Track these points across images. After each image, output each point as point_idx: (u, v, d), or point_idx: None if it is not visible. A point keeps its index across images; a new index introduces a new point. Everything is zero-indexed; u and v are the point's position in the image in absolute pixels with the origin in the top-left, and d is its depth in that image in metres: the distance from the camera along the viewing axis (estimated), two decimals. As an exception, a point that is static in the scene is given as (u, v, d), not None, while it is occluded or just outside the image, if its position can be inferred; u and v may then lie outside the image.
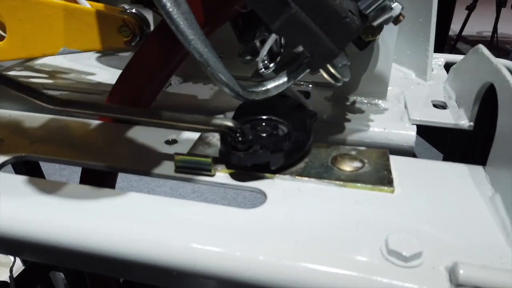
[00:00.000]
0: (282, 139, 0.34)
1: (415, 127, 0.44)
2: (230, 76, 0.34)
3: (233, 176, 0.35)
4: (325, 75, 0.34)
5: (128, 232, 0.29)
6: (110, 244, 0.28)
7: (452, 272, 0.25)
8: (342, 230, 0.29)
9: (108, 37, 0.42)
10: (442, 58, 0.61)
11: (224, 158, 0.36)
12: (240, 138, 0.33)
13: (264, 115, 0.37)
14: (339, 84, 0.36)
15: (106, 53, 0.68)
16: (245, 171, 0.35)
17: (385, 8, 0.35)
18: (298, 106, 0.41)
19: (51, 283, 1.00)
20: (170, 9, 0.30)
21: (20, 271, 0.89)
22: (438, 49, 0.45)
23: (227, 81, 0.33)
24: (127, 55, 0.68)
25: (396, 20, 0.38)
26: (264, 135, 0.34)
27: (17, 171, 0.84)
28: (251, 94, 0.36)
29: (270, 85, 0.37)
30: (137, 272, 0.30)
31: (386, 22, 0.39)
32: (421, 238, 0.28)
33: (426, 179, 0.35)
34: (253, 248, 0.27)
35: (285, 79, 0.37)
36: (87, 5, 0.43)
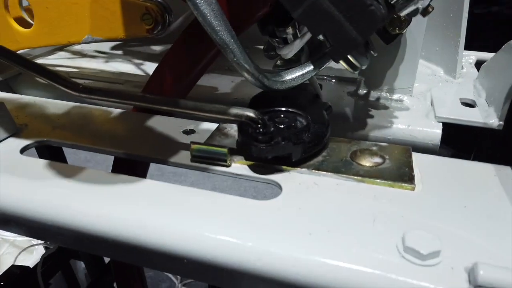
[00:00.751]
0: (302, 131, 0.33)
1: (440, 124, 0.42)
2: (256, 66, 0.33)
3: (249, 167, 0.34)
4: (343, 64, 0.33)
5: (139, 218, 0.29)
6: (114, 226, 0.29)
7: (471, 273, 0.23)
8: (357, 225, 0.28)
9: (131, 25, 0.42)
10: (473, 56, 0.59)
11: (242, 149, 0.35)
12: (261, 130, 0.32)
13: (279, 107, 0.37)
14: (356, 72, 0.35)
15: (129, 44, 0.69)
16: (264, 163, 0.34)
17: (412, -2, 0.33)
18: (313, 98, 0.40)
19: (71, 270, 1.03)
20: (197, 0, 0.30)
21: (44, 255, 0.91)
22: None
23: (252, 71, 0.33)
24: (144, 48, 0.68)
25: (425, 11, 0.37)
26: (282, 126, 0.34)
27: (41, 157, 0.86)
28: (275, 83, 0.35)
29: (295, 74, 0.36)
30: (148, 258, 0.30)
31: (413, 13, 0.38)
32: (441, 236, 0.26)
33: (449, 178, 0.34)
34: (265, 239, 0.27)
35: (310, 68, 0.36)
36: (112, -7, 0.43)
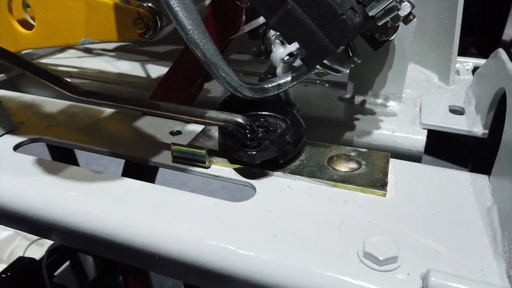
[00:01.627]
0: (284, 134, 0.34)
1: (425, 131, 0.42)
2: (230, 69, 0.34)
3: (228, 169, 0.35)
4: (320, 68, 0.34)
5: (117, 215, 0.30)
6: (100, 224, 0.30)
7: (424, 279, 0.24)
8: (323, 229, 0.29)
9: (124, 29, 0.44)
10: (471, 62, 0.58)
11: (226, 153, 0.36)
12: (249, 135, 0.33)
13: (251, 110, 0.37)
14: (338, 75, 0.35)
15: (126, 46, 0.71)
16: (241, 165, 0.35)
17: (392, 9, 0.34)
18: (279, 99, 0.41)
19: (79, 261, 1.05)
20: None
21: (52, 248, 0.94)
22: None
23: (224, 75, 0.33)
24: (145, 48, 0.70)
25: (406, 20, 0.37)
26: (261, 130, 0.35)
27: (54, 158, 0.89)
28: (249, 91, 0.36)
29: (272, 84, 0.37)
30: (124, 253, 0.31)
31: (395, 20, 0.38)
32: (402, 242, 0.27)
33: (424, 185, 0.34)
34: (229, 239, 0.28)
35: (288, 78, 0.37)
36: (107, -2, 0.45)
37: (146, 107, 0.38)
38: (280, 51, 0.39)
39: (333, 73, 0.37)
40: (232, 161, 0.36)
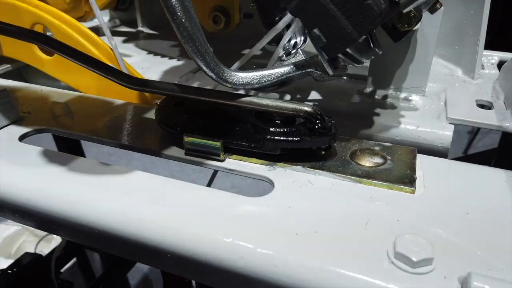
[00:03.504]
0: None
1: (452, 127, 0.40)
2: (213, 56, 0.31)
3: (242, 163, 0.33)
4: (341, 56, 0.32)
5: (123, 208, 0.29)
6: (104, 217, 0.28)
7: (464, 283, 0.22)
8: (348, 227, 0.27)
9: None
10: (496, 56, 0.56)
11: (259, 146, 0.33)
12: (320, 124, 0.31)
13: None
14: (358, 66, 0.33)
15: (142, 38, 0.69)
16: (256, 158, 0.33)
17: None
18: None
19: (86, 257, 1.04)
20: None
21: (58, 244, 0.93)
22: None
23: (210, 61, 0.31)
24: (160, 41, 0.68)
25: (432, 8, 0.35)
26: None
27: (59, 147, 0.88)
28: (234, 77, 0.33)
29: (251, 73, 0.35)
30: (133, 250, 0.29)
31: (420, 9, 0.36)
32: (436, 243, 0.25)
33: (455, 182, 0.32)
34: (248, 236, 0.26)
35: (291, 67, 0.35)
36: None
37: (204, 95, 0.34)
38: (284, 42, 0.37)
39: (353, 64, 0.35)
40: (247, 154, 0.34)
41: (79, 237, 0.33)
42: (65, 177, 0.32)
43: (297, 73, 0.36)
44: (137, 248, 0.28)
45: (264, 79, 0.35)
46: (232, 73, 0.33)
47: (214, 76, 0.32)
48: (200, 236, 0.26)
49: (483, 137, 2.19)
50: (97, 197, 0.30)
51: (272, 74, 0.35)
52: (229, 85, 0.33)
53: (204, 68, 0.31)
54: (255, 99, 0.33)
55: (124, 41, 0.69)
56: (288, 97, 0.47)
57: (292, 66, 0.36)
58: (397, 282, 0.23)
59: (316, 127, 0.31)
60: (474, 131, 2.11)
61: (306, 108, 0.31)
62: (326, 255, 0.24)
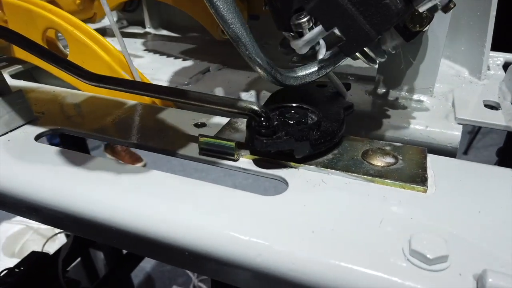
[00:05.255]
0: (310, 128, 0.33)
1: (460, 127, 0.41)
2: (269, 61, 0.33)
3: (257, 162, 0.34)
4: (358, 55, 0.32)
5: (143, 208, 0.29)
6: (119, 214, 0.29)
7: (480, 280, 0.22)
8: (363, 226, 0.27)
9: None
10: (501, 57, 0.56)
11: (248, 143, 0.35)
12: (264, 123, 0.32)
13: (296, 103, 0.36)
14: (373, 65, 0.34)
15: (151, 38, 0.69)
16: (269, 158, 0.34)
17: (432, -7, 0.32)
18: (334, 96, 0.40)
19: (90, 258, 1.05)
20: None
21: (64, 243, 0.93)
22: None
23: (264, 65, 0.32)
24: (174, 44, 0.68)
25: (446, 7, 0.35)
26: (291, 122, 0.33)
27: (64, 144, 0.89)
28: (288, 79, 0.35)
29: (308, 70, 0.35)
30: (150, 248, 0.30)
31: (434, 9, 0.36)
32: (450, 241, 0.25)
33: (466, 181, 0.32)
34: (265, 235, 0.26)
35: (324, 64, 0.35)
36: None
37: (158, 93, 0.35)
38: (300, 40, 0.37)
39: (369, 63, 0.35)
40: (252, 152, 0.34)
41: (95, 235, 0.33)
42: (83, 176, 0.32)
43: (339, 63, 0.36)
44: (156, 247, 0.29)
45: (318, 74, 0.36)
46: (286, 75, 0.35)
47: (271, 79, 0.34)
48: (217, 234, 0.27)
49: (483, 137, 2.20)
50: (113, 195, 0.30)
51: (322, 68, 0.36)
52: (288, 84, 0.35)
53: (262, 73, 0.33)
54: (204, 96, 0.33)
55: (133, 42, 0.69)
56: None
57: (331, 58, 0.36)
58: (414, 279, 0.23)
59: (259, 125, 0.32)
60: (475, 131, 2.12)
61: (252, 106, 0.32)
62: (342, 253, 0.25)
